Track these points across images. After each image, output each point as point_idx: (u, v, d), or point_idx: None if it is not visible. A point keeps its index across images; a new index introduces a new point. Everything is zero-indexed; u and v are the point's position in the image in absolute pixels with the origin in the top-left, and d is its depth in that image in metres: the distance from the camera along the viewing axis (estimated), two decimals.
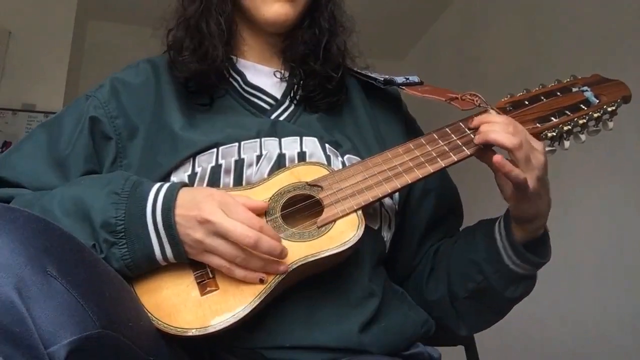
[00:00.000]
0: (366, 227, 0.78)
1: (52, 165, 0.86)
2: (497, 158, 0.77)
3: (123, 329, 0.59)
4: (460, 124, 0.85)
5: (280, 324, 0.75)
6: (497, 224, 0.87)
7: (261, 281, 0.71)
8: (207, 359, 0.75)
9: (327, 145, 0.88)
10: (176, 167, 0.83)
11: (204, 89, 0.92)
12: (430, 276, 0.94)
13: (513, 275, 0.84)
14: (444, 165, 0.81)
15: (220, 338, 0.73)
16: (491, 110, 0.87)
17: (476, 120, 0.83)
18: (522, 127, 0.81)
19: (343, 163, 0.86)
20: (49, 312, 0.52)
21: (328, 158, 0.86)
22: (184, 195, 0.73)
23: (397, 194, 0.91)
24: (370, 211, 0.86)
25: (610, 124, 0.88)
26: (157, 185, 0.75)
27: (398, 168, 0.81)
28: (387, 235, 0.89)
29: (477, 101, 0.88)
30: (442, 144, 0.83)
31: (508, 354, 2.37)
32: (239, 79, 0.94)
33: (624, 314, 1.93)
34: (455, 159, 0.81)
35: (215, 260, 0.71)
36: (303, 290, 0.76)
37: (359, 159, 0.88)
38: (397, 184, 0.80)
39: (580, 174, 2.21)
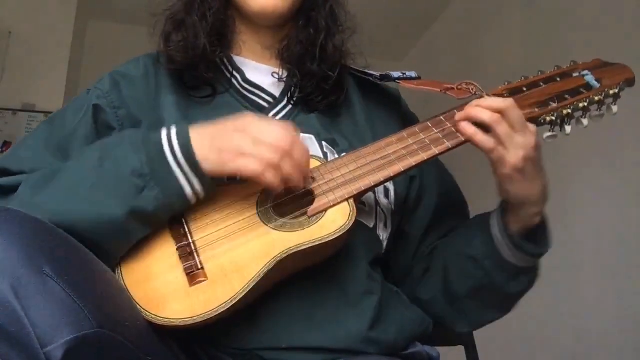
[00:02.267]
0: (361, 224, 0.78)
1: (54, 152, 0.86)
2: (462, 122, 0.79)
3: (119, 328, 0.59)
4: (455, 111, 0.84)
5: (276, 324, 0.74)
6: (491, 216, 0.86)
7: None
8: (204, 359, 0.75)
9: (324, 143, 0.88)
10: None
11: (200, 82, 0.92)
12: (424, 276, 0.93)
13: (514, 268, 0.83)
14: (437, 152, 0.80)
15: (217, 338, 0.73)
16: (487, 97, 0.85)
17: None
18: (514, 105, 0.79)
19: None
20: (45, 311, 0.52)
21: (325, 155, 0.86)
22: (200, 134, 0.74)
23: (393, 194, 0.90)
24: (366, 209, 0.86)
25: (614, 108, 0.86)
26: (165, 129, 0.75)
27: (391, 156, 0.80)
28: (383, 234, 0.89)
29: (472, 89, 0.87)
30: (435, 131, 0.82)
31: (508, 354, 2.37)
32: (238, 76, 0.94)
33: (624, 314, 1.93)
34: (450, 146, 0.80)
35: (248, 162, 0.72)
36: (300, 288, 0.76)
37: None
38: (390, 172, 0.79)
39: (581, 173, 2.21)
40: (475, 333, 1.17)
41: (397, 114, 1.02)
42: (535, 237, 0.84)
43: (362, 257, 0.83)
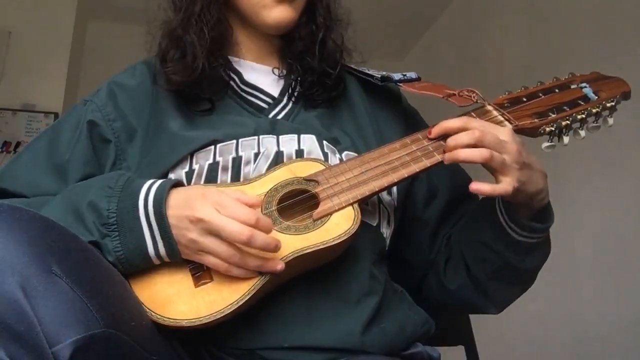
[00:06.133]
0: (364, 223, 0.78)
1: (51, 172, 0.87)
2: (473, 187, 0.77)
3: (126, 328, 0.60)
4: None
5: (278, 324, 0.75)
6: (496, 203, 0.86)
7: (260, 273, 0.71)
8: (207, 359, 0.75)
9: (324, 143, 0.88)
10: (174, 166, 0.83)
11: (199, 97, 0.91)
12: (447, 266, 0.94)
13: (525, 246, 0.84)
14: (440, 159, 0.81)
15: (219, 338, 0.73)
16: (488, 107, 0.87)
17: (436, 129, 0.83)
18: (486, 124, 0.81)
19: (341, 160, 0.86)
20: (53, 311, 0.52)
21: (325, 155, 0.86)
22: (177, 195, 0.73)
23: (395, 190, 0.91)
24: (369, 208, 0.86)
25: (610, 120, 0.89)
26: (150, 181, 0.75)
27: (395, 162, 0.81)
28: (386, 231, 0.89)
29: (474, 97, 0.88)
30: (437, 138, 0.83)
31: (508, 354, 2.38)
32: (236, 78, 0.94)
33: (624, 314, 1.94)
34: None
35: (211, 260, 0.70)
36: (301, 288, 0.76)
37: (357, 155, 0.88)
38: (394, 177, 0.80)
39: (581, 172, 2.21)
40: (475, 333, 1.18)
41: (399, 111, 1.03)
42: (540, 214, 0.85)
43: (366, 257, 0.83)
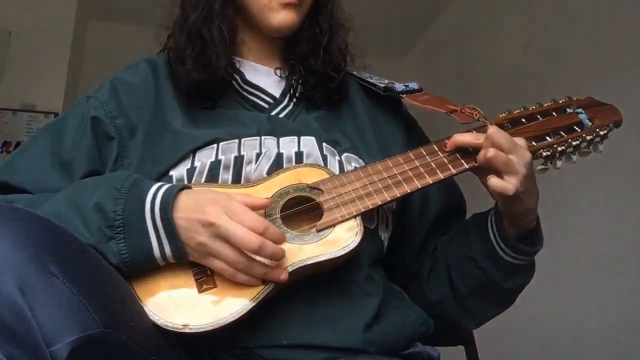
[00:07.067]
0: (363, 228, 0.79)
1: (56, 167, 0.87)
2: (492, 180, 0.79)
3: (125, 328, 0.60)
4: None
5: (278, 322, 0.75)
6: (489, 219, 0.87)
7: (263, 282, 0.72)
8: (206, 358, 0.75)
9: (324, 145, 0.88)
10: (176, 163, 0.84)
11: (205, 95, 0.92)
12: (430, 276, 0.95)
13: (511, 266, 0.85)
14: (442, 177, 0.83)
15: (218, 337, 0.73)
16: (490, 126, 0.88)
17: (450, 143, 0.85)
18: (504, 133, 0.82)
19: (340, 162, 0.87)
20: (51, 311, 0.52)
21: (325, 158, 0.86)
22: (186, 198, 0.73)
23: None
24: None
25: (601, 147, 0.91)
26: (158, 184, 0.75)
27: (398, 177, 0.82)
28: (384, 234, 0.89)
29: (476, 115, 0.90)
30: (441, 155, 0.85)
31: (508, 354, 2.37)
32: (237, 77, 0.95)
33: (624, 314, 1.94)
34: (454, 172, 0.84)
35: (217, 264, 0.71)
36: (301, 289, 0.76)
37: (357, 157, 0.89)
38: (397, 192, 0.81)
39: (580, 173, 2.21)
40: (475, 333, 1.17)
41: (399, 117, 1.04)
42: (530, 237, 0.86)
43: (364, 258, 0.83)
